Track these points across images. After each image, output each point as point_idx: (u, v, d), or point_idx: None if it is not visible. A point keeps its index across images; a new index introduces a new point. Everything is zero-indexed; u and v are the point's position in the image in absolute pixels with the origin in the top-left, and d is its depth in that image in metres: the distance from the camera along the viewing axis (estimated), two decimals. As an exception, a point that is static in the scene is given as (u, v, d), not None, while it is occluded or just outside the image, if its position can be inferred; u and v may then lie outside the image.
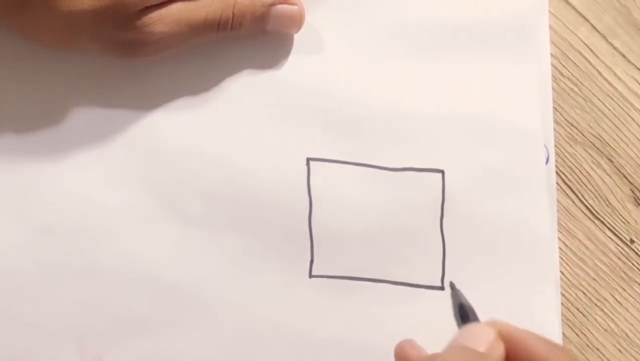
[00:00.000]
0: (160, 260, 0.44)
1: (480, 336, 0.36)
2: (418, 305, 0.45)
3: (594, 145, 0.48)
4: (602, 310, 0.47)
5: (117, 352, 0.43)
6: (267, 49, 0.46)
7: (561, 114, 0.49)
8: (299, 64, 0.46)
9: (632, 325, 0.47)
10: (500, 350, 0.36)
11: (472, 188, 0.46)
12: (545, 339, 0.36)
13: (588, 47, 0.49)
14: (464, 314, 0.40)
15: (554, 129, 0.48)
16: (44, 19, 0.41)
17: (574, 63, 0.49)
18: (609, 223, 0.48)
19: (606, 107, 0.49)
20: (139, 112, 0.45)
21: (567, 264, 0.47)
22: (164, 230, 0.44)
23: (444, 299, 0.45)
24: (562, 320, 0.46)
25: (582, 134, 0.48)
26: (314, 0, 0.46)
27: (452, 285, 0.43)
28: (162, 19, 0.42)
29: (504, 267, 0.45)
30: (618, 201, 0.48)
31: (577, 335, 0.47)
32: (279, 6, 0.45)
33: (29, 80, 0.45)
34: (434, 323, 0.44)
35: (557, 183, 0.47)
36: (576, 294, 0.47)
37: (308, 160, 0.45)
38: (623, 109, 0.49)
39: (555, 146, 0.48)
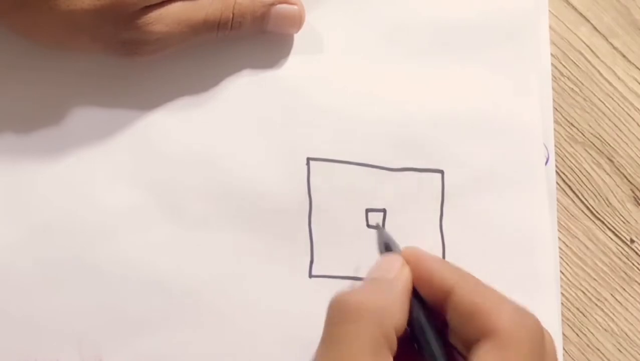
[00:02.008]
0: (159, 260, 0.44)
1: (388, 265, 0.39)
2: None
3: (594, 145, 0.48)
4: (602, 310, 0.47)
5: (117, 352, 0.43)
6: (267, 49, 0.46)
7: (561, 114, 0.49)
8: (299, 63, 0.46)
9: (632, 324, 0.47)
10: (406, 273, 0.39)
11: (471, 188, 0.46)
12: (451, 265, 0.39)
13: (588, 47, 0.49)
14: (389, 250, 0.41)
15: (554, 129, 0.48)
16: (44, 18, 0.41)
17: (574, 63, 0.49)
18: (609, 223, 0.48)
19: (606, 106, 0.49)
20: (138, 112, 0.45)
21: (567, 264, 0.47)
22: (164, 229, 0.44)
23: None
24: (562, 319, 0.46)
25: (582, 134, 0.48)
26: (313, 0, 0.46)
27: (377, 225, 0.43)
28: (161, 19, 0.42)
29: (503, 267, 0.45)
30: (618, 201, 0.48)
31: (577, 334, 0.47)
32: (279, 6, 0.45)
33: (29, 79, 0.45)
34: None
35: (557, 183, 0.47)
36: (576, 294, 0.47)
37: (308, 160, 0.45)
38: (623, 109, 0.49)
39: (555, 146, 0.48)
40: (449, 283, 0.38)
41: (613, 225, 0.48)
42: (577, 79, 0.49)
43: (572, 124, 0.49)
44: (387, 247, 0.41)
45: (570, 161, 0.48)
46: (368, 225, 0.45)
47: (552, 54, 0.49)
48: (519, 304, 0.37)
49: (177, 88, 0.45)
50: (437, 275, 0.38)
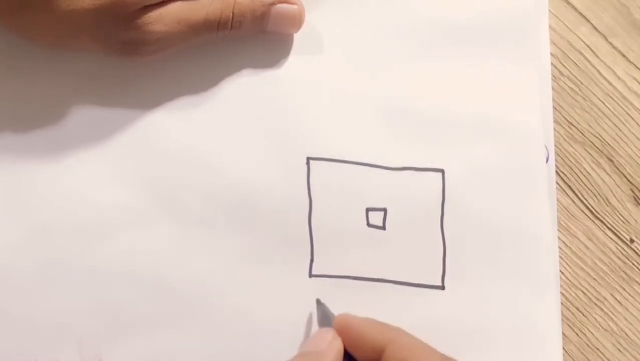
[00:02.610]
0: (159, 260, 0.44)
1: (320, 338, 0.40)
2: (418, 304, 0.45)
3: (593, 144, 0.48)
4: (602, 310, 0.47)
5: (117, 352, 0.43)
6: (267, 49, 0.46)
7: (561, 114, 0.49)
8: (299, 63, 0.46)
9: (631, 324, 0.47)
10: (337, 345, 0.40)
11: (472, 187, 0.46)
12: (380, 323, 0.40)
13: (588, 46, 0.49)
14: (328, 324, 0.42)
15: (554, 129, 0.48)
16: (44, 18, 0.41)
17: (574, 62, 0.49)
18: (608, 222, 0.48)
19: (606, 106, 0.49)
20: (138, 112, 0.45)
21: (567, 264, 0.47)
22: (164, 229, 0.44)
23: (445, 298, 0.45)
24: (562, 319, 0.46)
25: (582, 134, 0.48)
26: (313, 0, 0.46)
27: (317, 300, 0.44)
28: (161, 19, 0.42)
29: (503, 267, 0.45)
30: (618, 200, 0.48)
31: (577, 334, 0.47)
32: (279, 6, 0.45)
33: (29, 80, 0.45)
34: (434, 323, 0.44)
35: (557, 182, 0.47)
36: (576, 293, 0.47)
37: (308, 159, 0.45)
38: (623, 109, 0.49)
39: (555, 146, 0.48)
40: (381, 343, 0.39)
41: (613, 224, 0.48)
42: (577, 78, 0.49)
43: (572, 124, 0.49)
44: (325, 319, 0.42)
45: (570, 161, 0.48)
46: (368, 225, 0.45)
47: (552, 54, 0.49)
48: (448, 356, 0.39)
49: (177, 88, 0.45)
50: (368, 337, 0.40)
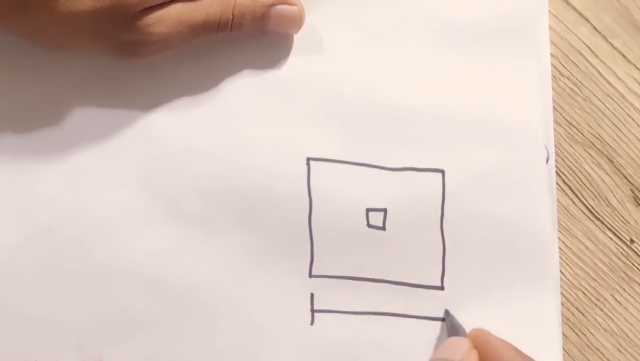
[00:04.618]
0: (160, 260, 0.44)
1: (456, 347, 0.40)
2: (418, 304, 0.45)
3: (593, 145, 0.48)
4: (602, 310, 0.47)
5: (117, 352, 0.43)
6: (267, 50, 0.46)
7: (561, 114, 0.49)
8: (299, 64, 0.46)
9: (632, 324, 0.47)
10: (473, 357, 0.40)
11: (472, 188, 0.46)
12: (515, 348, 0.40)
13: (588, 47, 0.49)
14: (455, 333, 0.42)
15: (554, 129, 0.48)
16: (44, 20, 0.41)
17: (574, 63, 0.49)
18: (608, 223, 0.48)
19: (606, 107, 0.49)
20: (139, 112, 0.45)
21: (567, 264, 0.47)
22: (164, 230, 0.44)
23: (444, 299, 0.45)
24: (562, 319, 0.46)
25: (582, 134, 0.48)
26: (314, 0, 0.46)
27: (446, 311, 0.44)
28: (162, 20, 0.42)
29: (503, 267, 0.45)
30: (618, 201, 0.48)
31: (577, 334, 0.47)
32: (279, 7, 0.45)
33: (30, 81, 0.45)
34: (434, 323, 0.44)
35: (557, 183, 0.47)
36: (576, 294, 0.47)
37: (308, 160, 0.45)
38: (623, 109, 0.49)
39: (555, 146, 0.48)
40: None
41: (613, 225, 0.48)
42: (576, 79, 0.49)
43: (571, 124, 0.49)
44: (454, 330, 0.42)
45: (570, 161, 0.48)
46: (368, 225, 0.45)
47: (552, 54, 0.49)
48: None
49: (177, 88, 0.46)
50: (504, 358, 0.40)
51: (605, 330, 0.47)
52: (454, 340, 0.41)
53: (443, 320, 0.44)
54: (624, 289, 0.47)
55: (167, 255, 0.44)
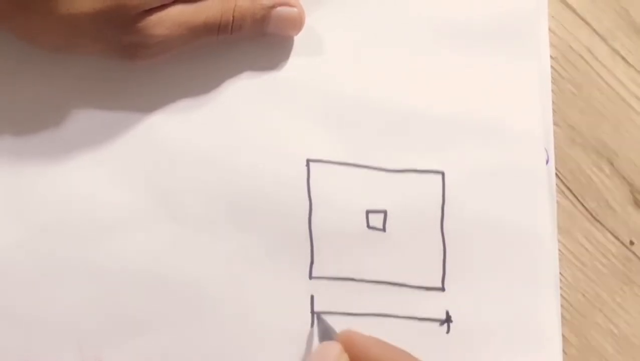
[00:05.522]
0: (160, 261, 0.44)
1: (326, 353, 0.40)
2: (419, 306, 0.45)
3: (593, 147, 0.48)
4: (602, 312, 0.47)
5: (117, 352, 0.43)
6: (267, 51, 0.46)
7: (561, 116, 0.49)
8: (299, 66, 0.46)
9: (632, 326, 0.47)
10: (344, 360, 0.40)
11: (472, 189, 0.46)
12: (385, 342, 0.41)
13: (588, 49, 0.49)
14: (327, 338, 0.42)
15: (554, 131, 0.48)
16: (44, 22, 0.41)
17: (574, 65, 0.49)
18: (608, 225, 0.48)
19: (606, 108, 0.49)
20: (139, 114, 0.45)
21: (567, 266, 0.47)
22: (164, 230, 0.44)
23: (445, 300, 0.45)
24: (561, 321, 0.46)
25: (582, 136, 0.48)
26: (313, 2, 0.46)
27: (318, 315, 0.44)
28: (162, 22, 0.42)
29: (503, 269, 0.45)
30: (618, 203, 0.48)
31: (577, 336, 0.47)
32: (279, 9, 0.45)
33: (30, 83, 0.45)
34: (434, 324, 0.44)
35: (557, 185, 0.47)
36: (576, 296, 0.47)
37: (308, 161, 0.45)
38: (623, 111, 0.49)
39: (555, 148, 0.48)
40: None
41: (613, 227, 0.48)
42: (576, 81, 0.49)
43: (571, 126, 0.49)
44: (326, 334, 0.42)
45: (569, 163, 0.48)
46: (368, 227, 0.45)
47: (551, 56, 0.49)
48: None
49: (177, 90, 0.46)
50: (373, 357, 0.40)
51: (605, 332, 0.47)
52: (324, 345, 0.41)
53: (444, 321, 0.44)
54: (623, 291, 0.47)
55: (167, 255, 0.44)
